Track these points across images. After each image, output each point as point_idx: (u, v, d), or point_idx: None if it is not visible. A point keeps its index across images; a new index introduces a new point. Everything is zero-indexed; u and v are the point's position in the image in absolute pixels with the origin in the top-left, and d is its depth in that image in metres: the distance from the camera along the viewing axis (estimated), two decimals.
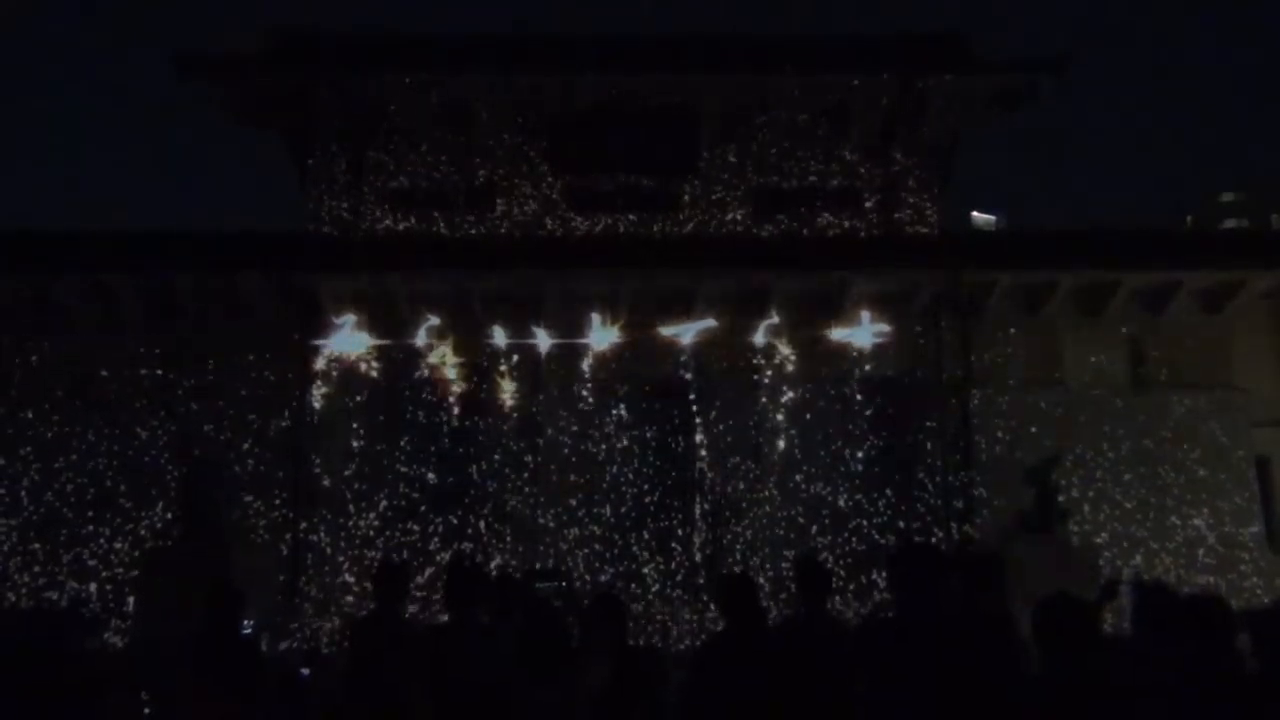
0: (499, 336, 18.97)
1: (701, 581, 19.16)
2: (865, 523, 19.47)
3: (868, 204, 21.86)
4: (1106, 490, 19.64)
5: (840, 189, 21.91)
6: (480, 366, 19.34)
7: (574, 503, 19.53)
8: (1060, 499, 17.81)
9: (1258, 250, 21.52)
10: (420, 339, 18.80)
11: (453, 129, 21.63)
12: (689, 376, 19.74)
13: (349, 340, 18.45)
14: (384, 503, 19.48)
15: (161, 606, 15.27)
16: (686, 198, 21.84)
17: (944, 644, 4.45)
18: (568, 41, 22.02)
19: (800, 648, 5.64)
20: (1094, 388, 20.19)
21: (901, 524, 19.29)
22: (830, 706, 5.06)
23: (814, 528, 19.37)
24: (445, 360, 18.71)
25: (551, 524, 19.40)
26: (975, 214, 47.98)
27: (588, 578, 19.02)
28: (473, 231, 21.07)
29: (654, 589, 19.25)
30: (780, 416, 19.73)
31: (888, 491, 19.66)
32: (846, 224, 21.60)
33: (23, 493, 19.17)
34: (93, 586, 18.65)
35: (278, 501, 19.28)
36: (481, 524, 19.48)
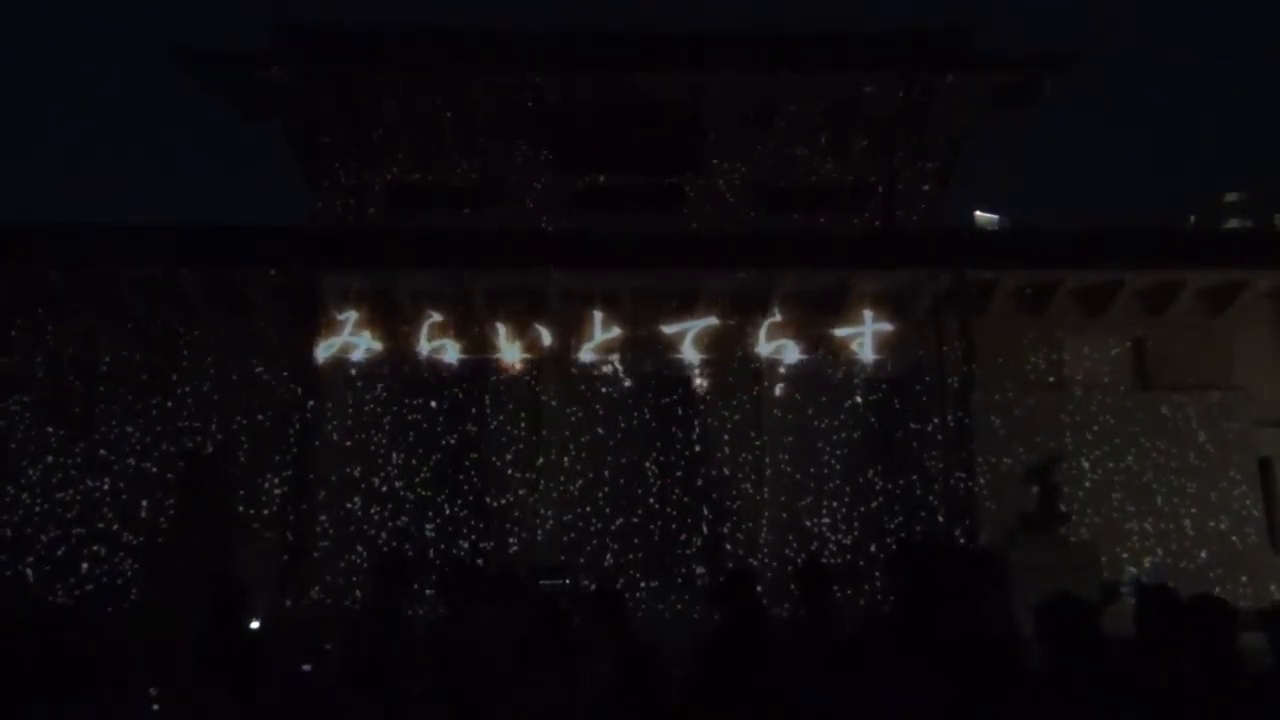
0: (500, 334, 19.03)
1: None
2: (864, 524, 19.45)
3: (871, 202, 21.87)
4: (1108, 491, 19.62)
5: (843, 187, 21.94)
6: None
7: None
8: (1062, 499, 17.76)
9: (1261, 250, 21.43)
10: (422, 337, 18.84)
11: (456, 125, 21.65)
12: (695, 382, 19.72)
13: (350, 340, 18.64)
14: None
15: (163, 600, 15.23)
16: (689, 195, 21.85)
17: (945, 644, 4.45)
18: (571, 38, 21.98)
19: (801, 645, 5.64)
20: (1096, 387, 20.17)
21: (901, 522, 19.28)
22: (829, 705, 5.06)
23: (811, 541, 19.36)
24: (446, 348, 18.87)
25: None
26: (978, 213, 48.05)
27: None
28: (476, 227, 21.09)
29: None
30: (779, 416, 19.68)
31: (888, 491, 19.63)
32: (850, 222, 21.62)
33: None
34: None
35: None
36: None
